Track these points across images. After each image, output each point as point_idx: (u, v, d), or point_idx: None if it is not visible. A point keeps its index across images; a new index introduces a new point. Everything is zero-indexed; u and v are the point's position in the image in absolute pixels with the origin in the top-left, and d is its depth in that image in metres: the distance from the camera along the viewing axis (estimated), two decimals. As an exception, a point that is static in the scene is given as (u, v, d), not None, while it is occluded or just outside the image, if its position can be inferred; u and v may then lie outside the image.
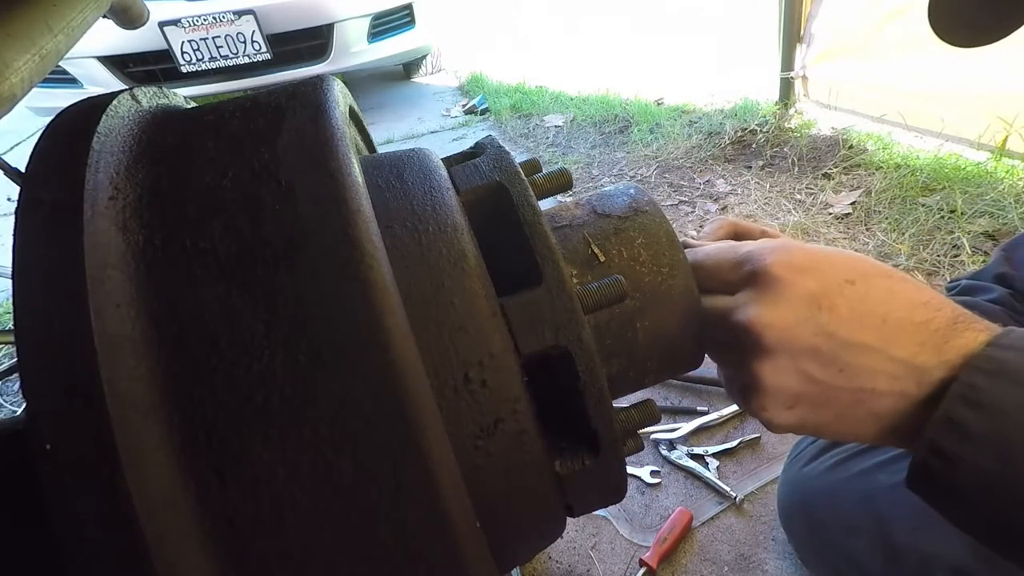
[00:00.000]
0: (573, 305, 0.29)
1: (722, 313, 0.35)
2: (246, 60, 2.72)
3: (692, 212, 1.71)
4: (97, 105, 0.28)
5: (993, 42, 0.64)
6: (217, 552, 0.22)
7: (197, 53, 2.63)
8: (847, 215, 1.53)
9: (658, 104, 2.55)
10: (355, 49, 2.91)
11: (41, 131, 0.28)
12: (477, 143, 0.36)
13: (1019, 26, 0.62)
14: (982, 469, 0.29)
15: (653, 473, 0.94)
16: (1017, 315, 0.56)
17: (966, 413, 0.29)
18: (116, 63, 2.66)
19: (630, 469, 0.93)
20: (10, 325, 1.41)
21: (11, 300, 0.23)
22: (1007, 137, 1.49)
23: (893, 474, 0.61)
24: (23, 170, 0.26)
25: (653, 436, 0.99)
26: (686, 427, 0.99)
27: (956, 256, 1.30)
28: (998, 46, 0.64)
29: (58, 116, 0.28)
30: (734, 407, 1.01)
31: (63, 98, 2.61)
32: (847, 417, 0.33)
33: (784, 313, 0.32)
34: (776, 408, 0.33)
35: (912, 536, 0.57)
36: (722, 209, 1.69)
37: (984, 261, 1.25)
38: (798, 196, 1.66)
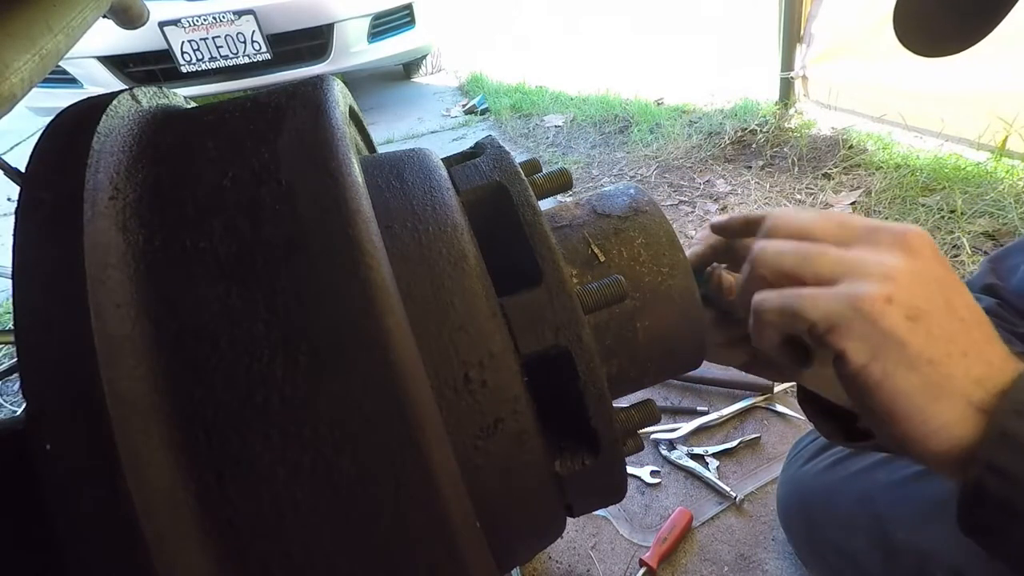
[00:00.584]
0: (573, 305, 0.29)
1: (873, 227, 0.33)
2: (246, 60, 2.72)
3: (692, 212, 1.71)
4: (97, 105, 0.28)
5: (956, 52, 0.65)
6: (217, 552, 0.22)
7: (197, 53, 2.63)
8: (847, 215, 1.53)
9: (658, 104, 2.55)
10: (355, 49, 2.91)
11: (41, 131, 0.28)
12: (477, 143, 0.36)
13: (982, 37, 0.63)
14: None
15: (653, 473, 0.94)
16: (1005, 324, 0.56)
17: (1021, 425, 0.28)
18: (116, 63, 2.66)
19: (630, 469, 0.93)
20: (10, 325, 1.41)
21: (11, 300, 0.23)
22: (1007, 137, 1.49)
23: (891, 473, 0.61)
24: (23, 170, 0.26)
25: (653, 436, 0.99)
26: (686, 427, 0.99)
27: (956, 256, 1.30)
28: (998, 47, 0.65)
29: (58, 116, 0.28)
30: (734, 407, 1.01)
31: (63, 98, 2.61)
32: (948, 369, 0.29)
33: (936, 251, 0.32)
34: (897, 309, 0.29)
35: (910, 535, 0.57)
36: (722, 209, 1.69)
37: (984, 261, 1.25)
38: (798, 196, 1.66)
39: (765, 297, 0.32)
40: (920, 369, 0.29)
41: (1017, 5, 0.59)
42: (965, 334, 0.30)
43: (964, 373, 0.29)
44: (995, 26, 0.61)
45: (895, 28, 0.67)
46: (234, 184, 0.26)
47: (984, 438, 0.29)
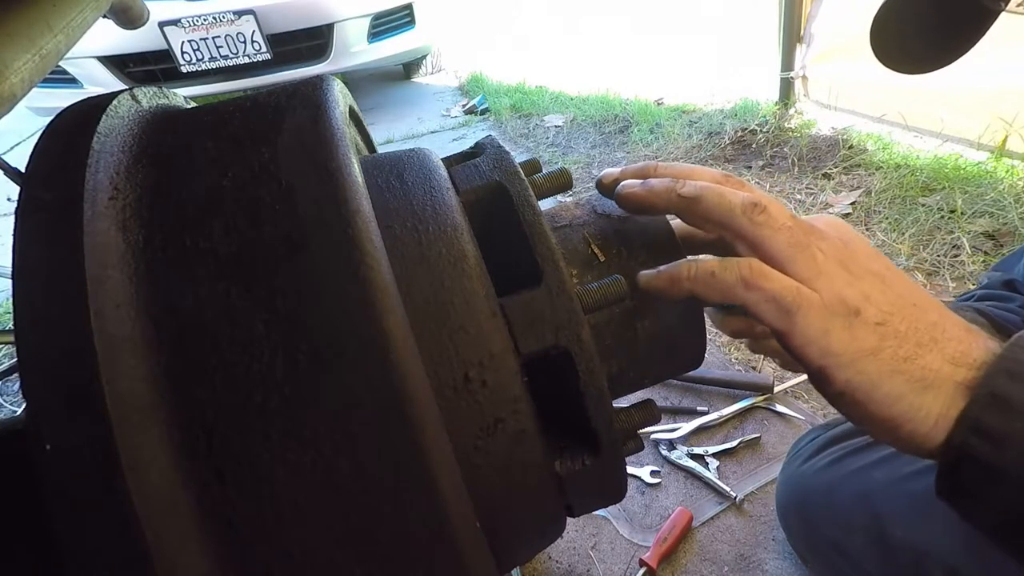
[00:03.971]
0: (573, 305, 0.29)
1: (812, 228, 0.33)
2: (246, 60, 2.72)
3: (692, 212, 1.71)
4: (97, 105, 0.28)
5: (931, 71, 0.66)
6: (217, 552, 0.22)
7: (197, 53, 2.63)
8: (847, 215, 1.53)
9: (658, 104, 2.55)
10: (355, 49, 2.91)
11: (41, 131, 0.28)
12: (477, 143, 0.36)
13: (956, 59, 0.63)
14: None
15: (653, 473, 0.94)
16: None
17: (1012, 386, 0.27)
18: (116, 63, 2.66)
19: (630, 469, 0.93)
20: (10, 325, 1.41)
21: (11, 300, 0.23)
22: (1007, 137, 1.49)
23: (889, 471, 0.61)
24: (23, 170, 0.26)
25: (653, 436, 0.99)
26: (686, 427, 0.99)
27: (956, 256, 1.30)
28: (999, 47, 0.65)
29: (58, 116, 0.28)
30: (734, 407, 1.01)
31: (63, 98, 2.61)
32: (925, 360, 0.29)
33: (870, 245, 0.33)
34: (865, 319, 0.30)
35: (907, 533, 0.57)
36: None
37: (984, 261, 1.25)
38: (798, 196, 1.66)
39: (768, 273, 0.30)
40: (900, 368, 0.29)
41: (1008, 11, 0.60)
42: (924, 320, 0.30)
43: (940, 358, 0.30)
44: (968, 50, 0.62)
45: (872, 47, 0.68)
46: (234, 184, 0.26)
47: (971, 402, 0.28)
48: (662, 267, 0.33)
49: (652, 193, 0.33)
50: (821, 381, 0.31)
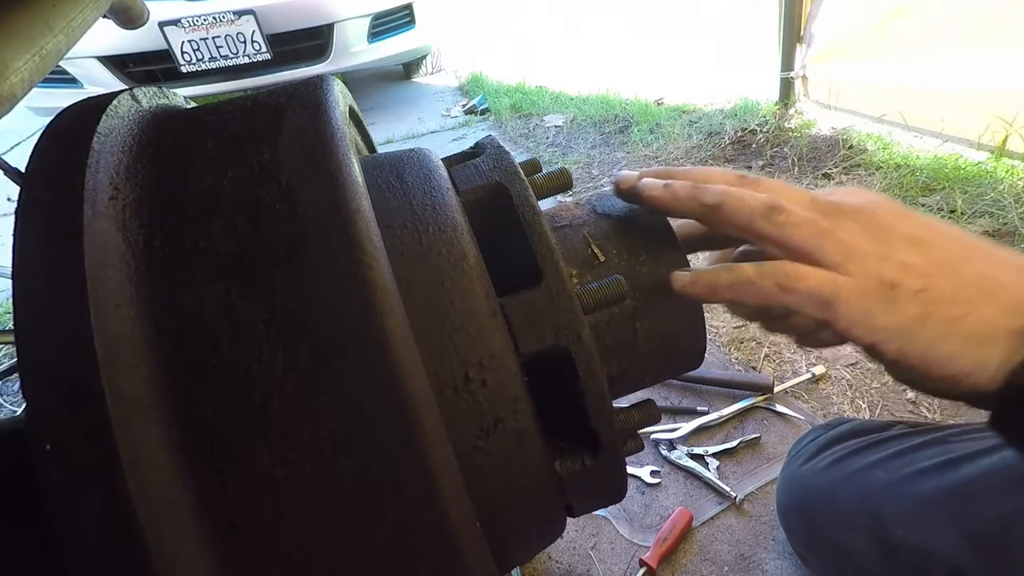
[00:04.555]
0: (573, 305, 0.29)
1: (835, 204, 0.33)
2: (246, 60, 2.72)
3: (692, 212, 1.71)
4: (97, 105, 0.28)
5: None
6: (217, 552, 0.22)
7: (197, 53, 2.63)
8: (847, 215, 1.53)
9: (658, 104, 2.55)
10: (355, 49, 2.91)
11: (41, 131, 0.28)
12: (477, 143, 0.36)
13: None
14: None
15: (653, 473, 0.94)
16: None
17: None
18: (116, 63, 2.66)
19: (630, 469, 0.93)
20: (10, 325, 1.41)
21: (11, 300, 0.23)
22: (1007, 137, 1.49)
23: (890, 471, 0.61)
24: (23, 170, 0.26)
25: (653, 436, 0.99)
26: (686, 427, 0.99)
27: (956, 256, 1.30)
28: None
29: (58, 116, 0.28)
30: (734, 407, 1.01)
31: (63, 98, 2.61)
32: (977, 315, 0.28)
33: (895, 204, 0.33)
34: (906, 288, 0.30)
35: (909, 532, 0.57)
36: (722, 209, 1.69)
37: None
38: (798, 196, 1.66)
39: (802, 273, 0.31)
40: (952, 329, 0.29)
41: (1013, 5, 0.59)
42: (971, 272, 0.30)
43: (994, 310, 0.29)
44: None
45: None
46: (234, 184, 0.26)
47: None
48: (699, 273, 0.33)
49: (674, 197, 0.34)
50: (874, 355, 0.31)
